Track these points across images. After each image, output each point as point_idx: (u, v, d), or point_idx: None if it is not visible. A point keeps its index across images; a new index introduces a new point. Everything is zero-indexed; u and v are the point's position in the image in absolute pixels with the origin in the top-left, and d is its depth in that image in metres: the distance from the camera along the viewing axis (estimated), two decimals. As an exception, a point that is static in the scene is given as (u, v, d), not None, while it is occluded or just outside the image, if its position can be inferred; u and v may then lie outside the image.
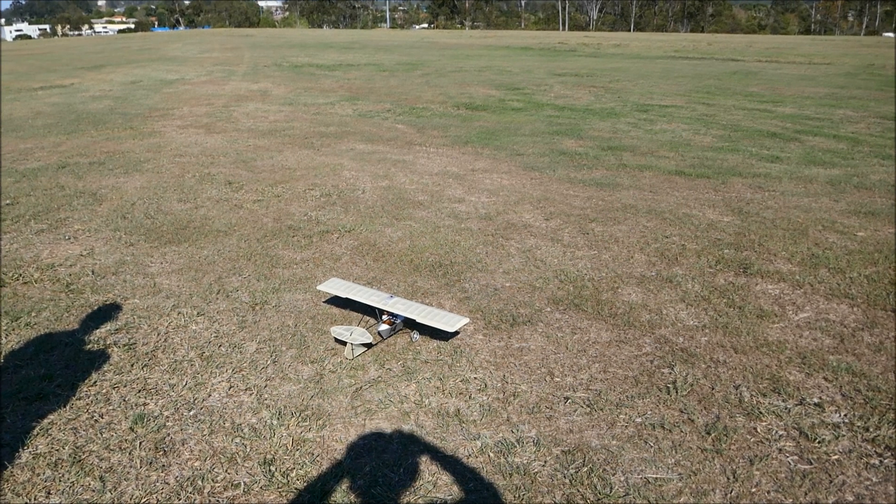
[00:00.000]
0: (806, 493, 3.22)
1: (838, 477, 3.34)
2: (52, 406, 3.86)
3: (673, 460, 3.45)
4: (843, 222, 7.32)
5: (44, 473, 3.31)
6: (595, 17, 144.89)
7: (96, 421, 3.74)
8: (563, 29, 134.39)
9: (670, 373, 4.27)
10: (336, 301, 5.24)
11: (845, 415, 3.85)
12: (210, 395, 4.00)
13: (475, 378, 4.19)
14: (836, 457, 3.49)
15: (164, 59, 34.09)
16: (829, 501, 3.17)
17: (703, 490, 3.23)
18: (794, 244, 6.61)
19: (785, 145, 11.90)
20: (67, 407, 3.86)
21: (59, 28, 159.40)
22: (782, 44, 60.07)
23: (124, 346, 4.57)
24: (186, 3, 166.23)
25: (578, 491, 3.22)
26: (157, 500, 3.14)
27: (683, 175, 9.53)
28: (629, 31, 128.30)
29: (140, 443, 3.56)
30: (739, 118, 15.09)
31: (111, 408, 3.87)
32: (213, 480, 3.28)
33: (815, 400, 3.99)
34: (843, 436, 3.66)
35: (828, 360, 4.43)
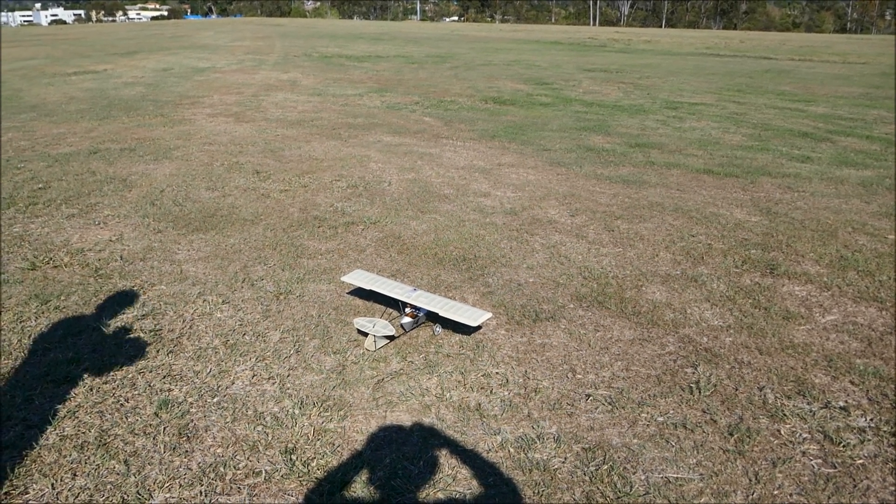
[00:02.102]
0: (829, 497, 3.19)
1: (862, 482, 3.30)
2: (78, 389, 3.92)
3: (694, 460, 3.43)
4: (873, 224, 7.22)
5: (70, 455, 3.36)
6: (626, 13, 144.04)
7: (122, 405, 3.79)
8: (594, 24, 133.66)
9: (693, 373, 4.25)
10: (360, 293, 5.26)
11: (871, 419, 3.80)
12: (233, 383, 4.03)
13: (497, 373, 4.19)
14: (860, 461, 3.45)
15: (196, 47, 34.36)
16: (852, 507, 3.14)
17: (725, 491, 3.21)
18: (823, 246, 6.54)
19: (816, 145, 11.76)
20: (94, 390, 3.91)
21: (93, 14, 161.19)
22: (817, 42, 59.34)
23: (150, 331, 4.62)
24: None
25: (598, 489, 3.21)
26: (180, 485, 3.18)
27: (712, 174, 9.45)
28: (660, 27, 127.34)
29: (164, 428, 3.60)
30: (770, 117, 14.93)
31: (136, 392, 3.91)
32: (234, 467, 3.31)
33: (841, 403, 3.95)
34: (869, 440, 3.62)
35: (855, 364, 4.38)
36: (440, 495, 3.15)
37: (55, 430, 3.55)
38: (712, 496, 3.18)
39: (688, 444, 3.56)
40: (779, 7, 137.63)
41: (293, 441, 3.51)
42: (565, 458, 3.42)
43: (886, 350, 4.58)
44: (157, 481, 3.20)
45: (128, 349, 4.38)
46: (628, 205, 7.82)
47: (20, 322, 4.70)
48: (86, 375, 4.05)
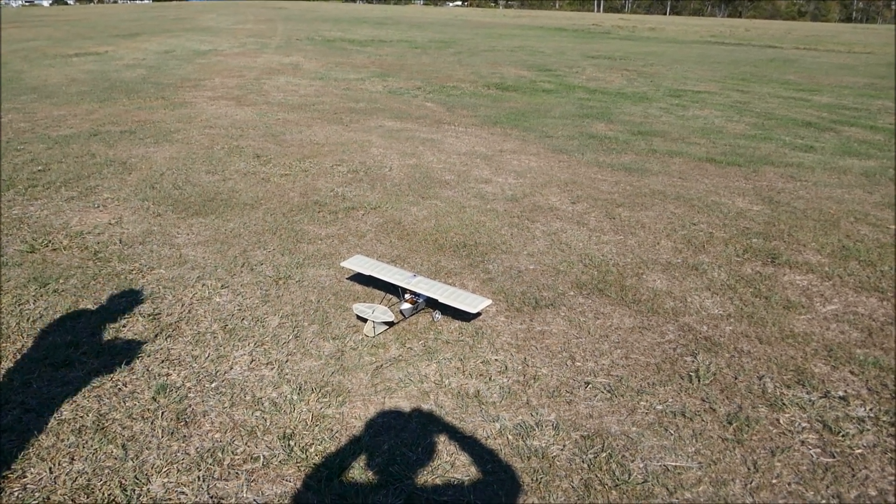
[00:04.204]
0: (828, 487, 3.18)
1: (861, 471, 3.30)
2: (77, 373, 3.91)
3: (693, 449, 3.42)
4: (876, 215, 7.20)
5: (68, 439, 3.35)
6: (631, 0, 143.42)
7: (120, 389, 3.78)
8: (598, 10, 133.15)
9: (693, 361, 4.24)
10: (359, 278, 5.25)
11: (870, 409, 3.80)
12: (232, 368, 4.03)
13: (496, 360, 4.18)
14: (859, 451, 3.45)
15: (198, 30, 34.24)
16: (851, 495, 3.13)
17: (723, 480, 3.21)
18: (825, 235, 6.52)
19: (820, 135, 11.72)
20: (92, 374, 3.91)
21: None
22: (822, 31, 59.15)
23: (149, 315, 4.61)
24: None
25: (596, 476, 3.21)
26: (178, 470, 3.17)
27: (714, 162, 9.42)
28: (665, 14, 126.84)
29: (162, 413, 3.59)
30: (774, 106, 14.88)
31: (135, 377, 3.90)
32: (232, 453, 3.30)
33: (841, 393, 3.94)
34: (868, 430, 3.61)
35: (855, 354, 4.37)
36: (438, 482, 3.15)
37: (53, 414, 3.55)
38: (710, 484, 3.17)
39: (686, 432, 3.55)
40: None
41: (291, 427, 3.51)
42: (564, 446, 3.42)
43: (887, 340, 4.56)
44: (155, 466, 3.19)
45: (126, 333, 4.37)
46: (630, 192, 7.79)
47: (19, 305, 4.69)
48: (84, 359, 4.04)
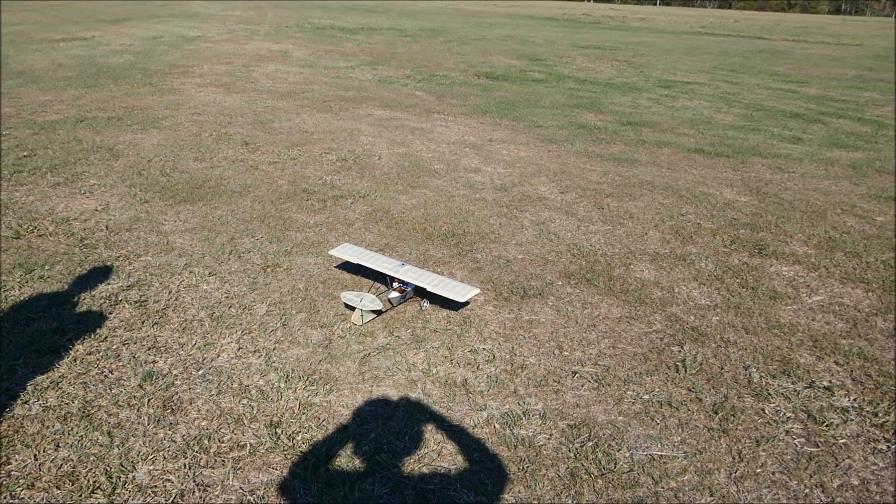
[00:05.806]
0: (811, 476, 3.21)
1: (844, 461, 3.32)
2: (62, 360, 3.89)
3: (679, 438, 3.44)
4: (862, 206, 7.24)
5: (53, 426, 3.34)
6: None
7: (106, 376, 3.77)
8: (589, 0, 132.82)
9: (680, 351, 4.25)
10: (347, 266, 5.24)
11: (855, 399, 3.83)
12: (219, 356, 4.02)
13: (484, 349, 4.19)
14: (843, 441, 3.47)
15: (187, 16, 33.97)
16: (834, 485, 3.16)
17: (708, 469, 3.23)
18: (812, 226, 6.55)
19: (808, 126, 11.76)
20: (78, 361, 3.89)
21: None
22: (811, 23, 59.31)
23: (135, 303, 4.59)
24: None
25: (583, 465, 3.22)
26: (164, 458, 3.16)
27: (702, 153, 9.43)
28: (655, 4, 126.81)
29: (148, 400, 3.58)
30: (763, 97, 14.91)
31: (121, 364, 3.89)
32: (219, 440, 3.30)
33: (825, 383, 3.97)
34: (852, 420, 3.64)
35: (840, 344, 4.40)
36: (425, 470, 3.15)
37: (39, 400, 3.53)
38: (696, 474, 3.19)
39: (673, 422, 3.57)
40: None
41: (278, 415, 3.50)
42: (551, 435, 3.43)
43: (871, 331, 4.60)
44: (141, 453, 3.18)
45: (112, 320, 4.35)
46: (619, 183, 7.80)
47: (4, 291, 4.66)
48: (70, 346, 4.02)
